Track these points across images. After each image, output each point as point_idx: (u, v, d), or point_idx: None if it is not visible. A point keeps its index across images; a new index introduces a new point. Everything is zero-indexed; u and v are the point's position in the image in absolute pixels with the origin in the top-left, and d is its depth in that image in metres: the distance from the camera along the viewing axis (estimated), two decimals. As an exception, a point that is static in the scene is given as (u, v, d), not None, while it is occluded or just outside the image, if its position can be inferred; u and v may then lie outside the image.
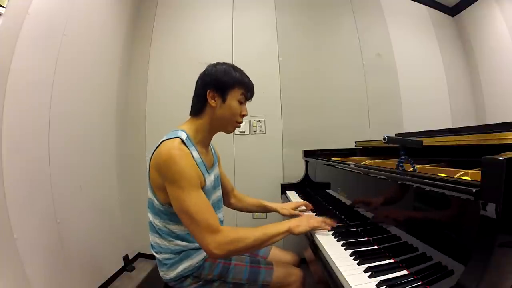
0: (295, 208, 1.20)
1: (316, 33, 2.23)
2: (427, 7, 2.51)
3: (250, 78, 0.94)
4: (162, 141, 0.82)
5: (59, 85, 1.41)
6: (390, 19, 2.31)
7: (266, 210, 1.21)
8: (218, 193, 1.03)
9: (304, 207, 1.23)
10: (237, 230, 0.83)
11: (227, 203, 1.20)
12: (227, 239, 0.77)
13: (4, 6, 1.10)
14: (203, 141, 0.93)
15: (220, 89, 0.87)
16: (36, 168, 1.30)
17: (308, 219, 0.94)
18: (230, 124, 0.92)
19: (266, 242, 0.83)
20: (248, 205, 1.22)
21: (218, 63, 0.91)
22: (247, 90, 0.91)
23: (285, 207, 1.19)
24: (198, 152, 0.87)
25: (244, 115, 0.93)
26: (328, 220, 0.97)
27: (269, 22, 2.20)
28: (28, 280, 1.17)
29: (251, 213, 2.07)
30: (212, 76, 0.88)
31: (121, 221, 2.01)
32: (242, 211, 1.24)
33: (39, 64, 1.31)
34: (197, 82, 0.92)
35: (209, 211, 0.79)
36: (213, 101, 0.87)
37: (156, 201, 0.86)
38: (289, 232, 0.87)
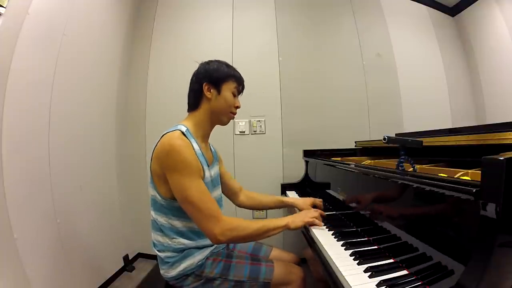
0: (311, 204, 1.17)
1: (316, 33, 2.23)
2: (427, 7, 2.51)
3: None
4: (163, 135, 0.86)
5: (59, 85, 1.41)
6: (390, 19, 2.31)
7: (283, 204, 1.21)
8: (218, 191, 1.04)
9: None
10: (239, 220, 0.87)
11: (237, 203, 1.19)
12: (230, 226, 0.81)
13: (4, 6, 1.10)
14: (203, 135, 0.97)
15: (215, 82, 0.93)
16: (36, 168, 1.30)
17: (305, 214, 0.97)
18: (226, 115, 0.97)
19: (265, 233, 0.87)
20: (263, 201, 1.21)
21: (210, 61, 0.98)
22: (239, 83, 0.98)
23: (305, 202, 1.17)
24: (198, 145, 0.91)
25: (237, 107, 0.99)
26: (323, 213, 1.02)
27: (269, 22, 2.19)
28: (28, 280, 1.17)
29: (251, 211, 2.07)
30: (207, 71, 0.94)
31: (121, 221, 2.01)
32: (254, 209, 1.23)
33: (39, 64, 1.31)
34: (191, 79, 0.97)
35: (211, 200, 0.83)
36: (209, 93, 0.93)
37: (158, 196, 0.88)
38: (287, 227, 0.91)
